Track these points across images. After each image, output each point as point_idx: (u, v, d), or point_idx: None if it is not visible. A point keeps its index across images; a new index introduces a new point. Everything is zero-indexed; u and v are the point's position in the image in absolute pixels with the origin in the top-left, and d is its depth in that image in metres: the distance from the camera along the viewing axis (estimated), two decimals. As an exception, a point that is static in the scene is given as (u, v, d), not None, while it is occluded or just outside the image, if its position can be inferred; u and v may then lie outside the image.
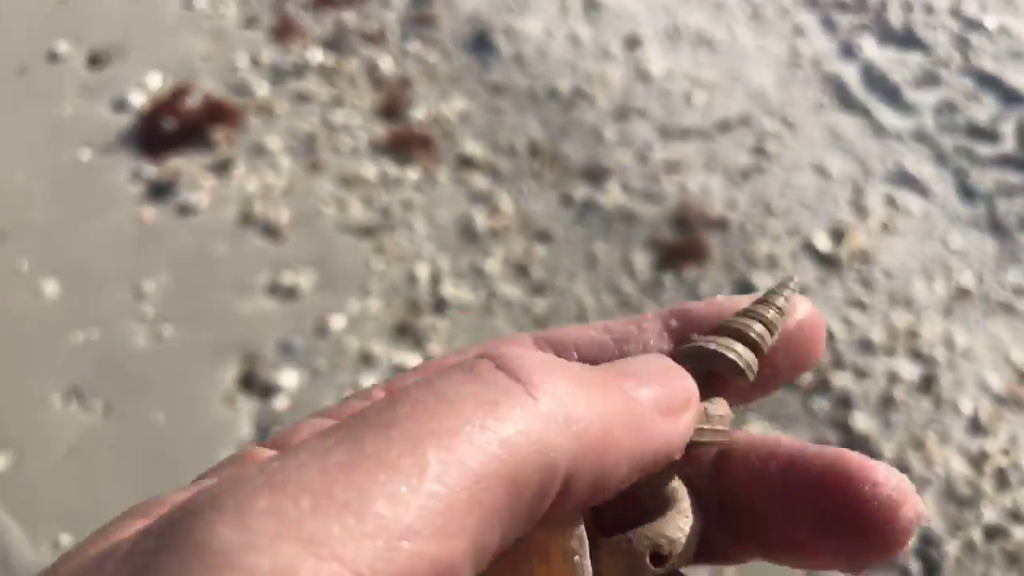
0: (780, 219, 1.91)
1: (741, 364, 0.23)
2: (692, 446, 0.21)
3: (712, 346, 0.23)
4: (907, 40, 2.26)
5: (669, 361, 0.21)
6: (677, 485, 0.22)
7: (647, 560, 0.21)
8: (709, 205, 1.93)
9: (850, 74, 2.19)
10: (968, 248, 1.85)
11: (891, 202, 1.94)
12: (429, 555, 0.14)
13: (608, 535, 0.21)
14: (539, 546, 0.19)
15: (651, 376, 0.20)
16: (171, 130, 2.07)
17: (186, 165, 2.03)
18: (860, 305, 1.76)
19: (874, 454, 1.53)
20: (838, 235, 1.87)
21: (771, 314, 0.23)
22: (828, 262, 1.83)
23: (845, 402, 1.62)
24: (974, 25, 2.28)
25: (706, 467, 0.23)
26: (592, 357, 0.23)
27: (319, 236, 1.92)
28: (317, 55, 2.27)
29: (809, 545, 0.21)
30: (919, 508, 0.20)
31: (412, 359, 1.72)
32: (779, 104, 2.14)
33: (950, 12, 2.32)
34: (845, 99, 2.14)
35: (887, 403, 1.62)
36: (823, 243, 1.86)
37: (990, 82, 2.15)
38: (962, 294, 1.77)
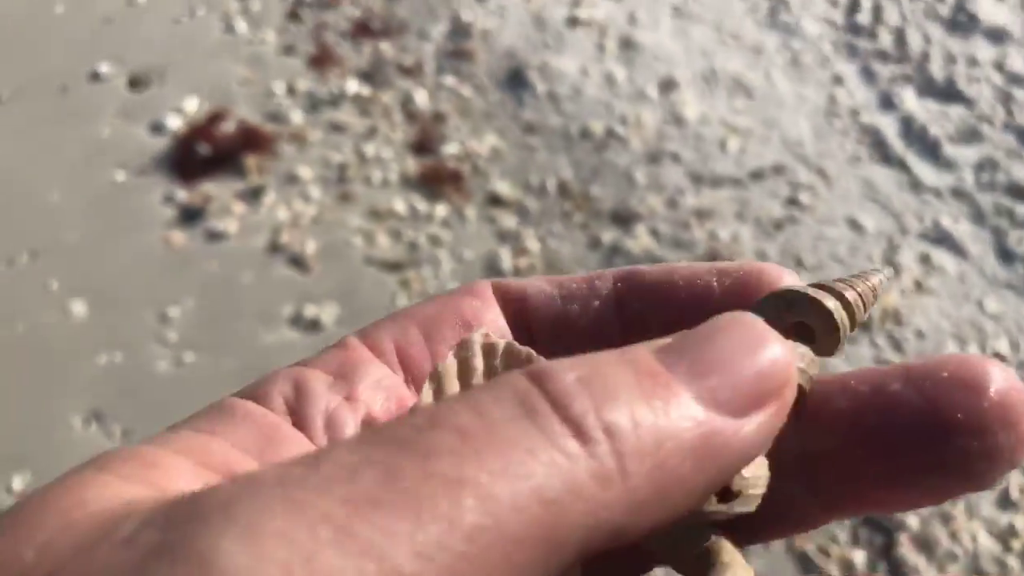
0: (811, 273, 1.88)
1: (836, 319, 0.20)
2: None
3: (807, 291, 0.21)
4: (949, 93, 2.23)
5: (749, 328, 0.18)
6: None
7: (714, 500, 0.19)
8: (739, 255, 1.91)
9: (889, 126, 2.16)
10: (1005, 312, 1.80)
11: (926, 260, 1.90)
12: None
13: None
14: None
15: (725, 360, 0.17)
16: (205, 155, 2.09)
17: (217, 191, 2.05)
18: (890, 367, 1.72)
19: (900, 525, 1.49)
20: (870, 293, 1.83)
21: (863, 288, 0.22)
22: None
23: (870, 468, 1.58)
24: (1019, 80, 2.24)
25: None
26: (535, 308, 0.23)
27: (345, 268, 1.92)
28: (353, 85, 2.28)
29: (918, 477, 0.19)
30: None
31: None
32: (815, 154, 2.11)
33: (994, 66, 2.28)
34: (883, 152, 2.11)
35: (914, 471, 1.57)
36: (854, 300, 1.82)
37: (1033, 141, 2.10)
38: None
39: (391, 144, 2.16)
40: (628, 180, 2.07)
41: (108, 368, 1.75)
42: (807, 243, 1.93)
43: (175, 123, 2.19)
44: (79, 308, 1.84)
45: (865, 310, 0.22)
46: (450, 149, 2.15)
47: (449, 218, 2.02)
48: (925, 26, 2.36)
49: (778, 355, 0.17)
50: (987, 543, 1.49)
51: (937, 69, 2.28)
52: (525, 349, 0.20)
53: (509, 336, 0.22)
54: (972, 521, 1.52)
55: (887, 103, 2.21)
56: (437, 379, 0.20)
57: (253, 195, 2.04)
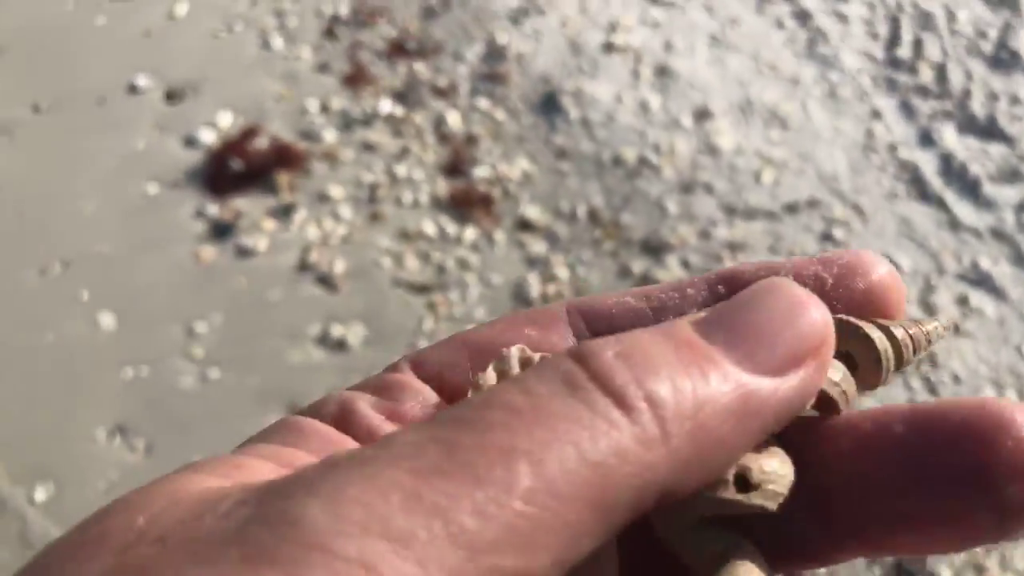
0: (844, 310, 1.84)
1: (881, 354, 0.21)
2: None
3: (854, 321, 0.21)
4: (990, 131, 2.19)
5: (786, 290, 0.18)
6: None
7: (730, 482, 0.19)
8: (771, 289, 1.88)
9: (927, 163, 2.12)
10: (1044, 358, 1.76)
11: (963, 302, 1.86)
12: (508, 569, 0.15)
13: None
14: None
15: (766, 323, 0.18)
16: (237, 170, 2.10)
17: (248, 207, 2.05)
18: (924, 411, 1.68)
19: (931, 578, 1.45)
20: (905, 333, 1.80)
21: (916, 331, 0.22)
22: (893, 361, 1.76)
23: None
24: (1062, 120, 2.20)
25: (797, 442, 0.20)
26: (625, 325, 0.22)
27: (373, 289, 1.92)
28: (387, 105, 2.29)
29: (921, 524, 0.19)
30: None
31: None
32: (851, 189, 2.08)
33: (1037, 104, 2.24)
34: (921, 189, 2.07)
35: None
36: (889, 341, 1.79)
37: (1076, 182, 2.06)
38: (1035, 408, 1.68)
39: (422, 165, 2.16)
40: (660, 209, 2.05)
41: (134, 382, 1.76)
42: (841, 280, 1.90)
43: (209, 137, 2.20)
44: (107, 320, 1.85)
45: (915, 352, 0.22)
46: (481, 172, 2.14)
47: (478, 242, 2.01)
48: (967, 62, 2.33)
49: (816, 316, 0.18)
50: (1023, 599, 1.45)
51: (978, 106, 2.24)
52: None
53: None
54: (1005, 574, 1.47)
55: (926, 139, 2.17)
56: (477, 388, 0.21)
57: (284, 212, 2.04)
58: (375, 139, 2.20)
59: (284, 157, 2.12)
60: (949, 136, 2.17)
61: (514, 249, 1.99)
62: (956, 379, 1.73)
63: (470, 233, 2.02)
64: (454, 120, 2.26)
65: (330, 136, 2.21)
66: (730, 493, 0.19)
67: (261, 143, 2.18)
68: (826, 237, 1.98)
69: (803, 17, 2.50)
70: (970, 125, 2.20)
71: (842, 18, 2.49)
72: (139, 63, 2.38)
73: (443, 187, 2.11)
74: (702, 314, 0.18)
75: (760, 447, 0.19)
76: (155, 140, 2.21)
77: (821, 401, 0.20)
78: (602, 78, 2.34)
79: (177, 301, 1.88)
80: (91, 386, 1.76)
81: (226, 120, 2.24)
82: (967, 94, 2.27)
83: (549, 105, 2.29)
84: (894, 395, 1.70)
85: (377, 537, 0.14)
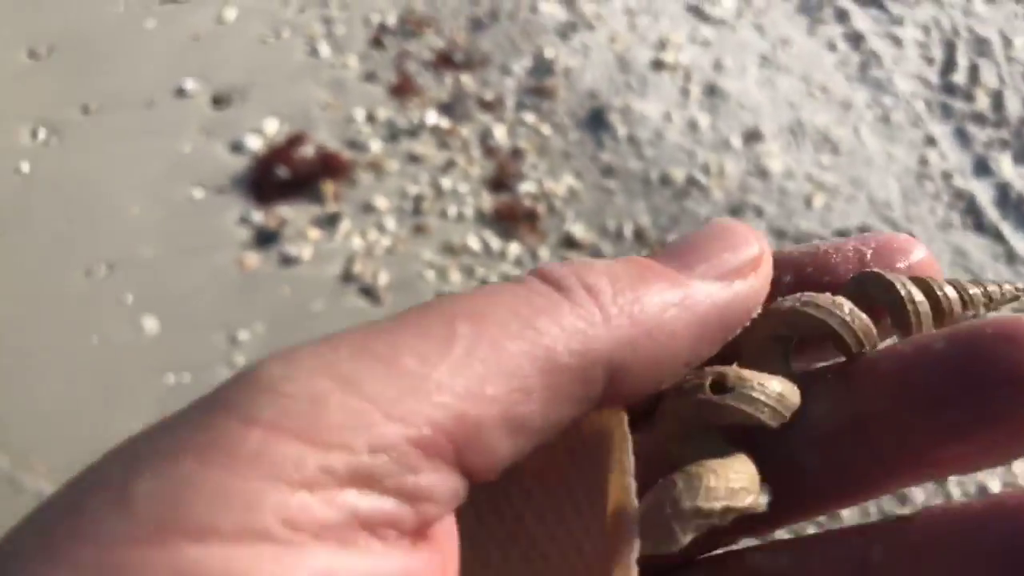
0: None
1: (908, 308, 0.22)
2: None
3: (890, 277, 0.22)
4: (1047, 162, 2.14)
5: (728, 224, 0.21)
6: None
7: (706, 385, 0.20)
8: (821, 317, 1.84)
9: (983, 192, 2.08)
10: (1104, 399, 1.71)
11: (1020, 338, 1.81)
12: (454, 409, 0.15)
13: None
14: (587, 431, 0.19)
15: (702, 244, 0.20)
16: (282, 178, 2.10)
17: (293, 215, 2.04)
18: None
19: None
20: (960, 368, 1.75)
21: (977, 290, 0.23)
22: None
23: None
24: (1122, 153, 2.15)
25: (832, 379, 0.22)
26: None
27: (416, 302, 1.87)
28: (432, 117, 2.27)
29: (968, 432, 0.19)
30: None
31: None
32: (903, 217, 2.04)
33: (1096, 136, 2.19)
34: (976, 219, 2.03)
35: None
36: (943, 375, 1.75)
37: None
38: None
39: (468, 179, 2.14)
40: (708, 231, 2.02)
41: (175, 388, 1.75)
42: (894, 310, 1.86)
43: (255, 143, 2.20)
44: (151, 324, 1.84)
45: (966, 308, 0.23)
46: (526, 187, 2.12)
47: (522, 257, 1.99)
48: (1025, 90, 2.28)
49: (750, 237, 0.20)
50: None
51: (1035, 136, 2.19)
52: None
53: None
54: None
55: (982, 168, 2.13)
56: None
57: (328, 222, 2.03)
58: (421, 151, 2.19)
59: (330, 166, 2.12)
60: (1006, 165, 2.13)
61: (559, 267, 1.97)
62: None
63: (514, 249, 2.00)
64: (500, 134, 2.24)
65: (376, 146, 2.20)
66: (704, 393, 0.20)
67: (307, 151, 2.17)
68: (878, 265, 1.94)
69: (856, 39, 2.46)
70: (1027, 155, 2.15)
71: (896, 41, 2.45)
72: (187, 67, 2.39)
73: (488, 201, 2.09)
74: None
75: (768, 375, 0.21)
76: (201, 144, 2.21)
77: (837, 343, 0.22)
78: (651, 96, 2.32)
79: (220, 308, 1.87)
80: (133, 391, 1.75)
81: (272, 127, 2.24)
82: (1024, 123, 2.22)
83: (596, 121, 2.27)
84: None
85: (325, 377, 0.15)
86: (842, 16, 2.53)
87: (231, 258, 1.96)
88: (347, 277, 1.93)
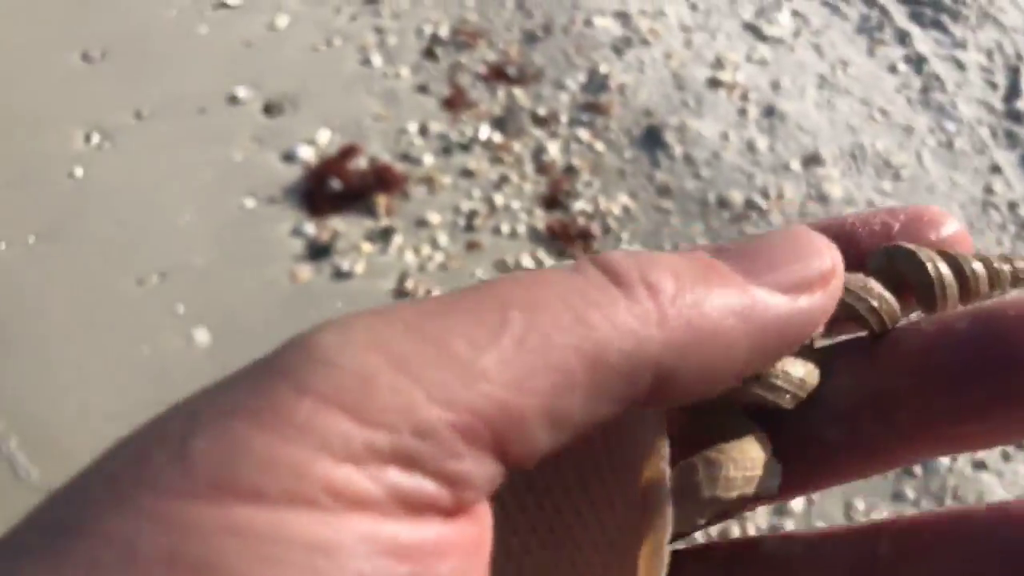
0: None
1: (936, 291, 0.22)
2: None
3: (921, 256, 0.22)
4: (1116, 194, 2.08)
5: (802, 231, 0.20)
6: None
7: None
8: (884, 349, 1.79)
9: (1051, 224, 2.02)
10: None
11: (1092, 377, 1.76)
12: (498, 399, 0.16)
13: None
14: (626, 430, 0.20)
15: (773, 250, 0.19)
16: (335, 190, 2.08)
17: (346, 228, 2.02)
18: (1053, 493, 1.58)
19: None
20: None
21: (1005, 267, 0.23)
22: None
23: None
24: None
25: (857, 359, 0.22)
26: None
27: (468, 320, 1.87)
28: (485, 131, 2.25)
29: (987, 411, 0.20)
30: None
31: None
32: (969, 247, 1.99)
33: None
34: (1044, 252, 1.97)
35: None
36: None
37: None
38: None
39: (521, 195, 2.11)
40: (767, 256, 1.97)
41: (228, 402, 1.73)
42: (960, 344, 1.81)
43: (307, 154, 2.18)
44: (202, 336, 1.83)
45: (993, 287, 0.22)
46: (580, 205, 2.09)
47: (576, 278, 1.96)
48: (1093, 119, 2.23)
49: (824, 251, 0.20)
50: None
51: (1104, 166, 2.14)
52: None
53: None
54: None
55: (1050, 199, 2.07)
56: None
57: (381, 236, 2.01)
58: (473, 166, 2.16)
59: (383, 179, 2.09)
60: (1074, 197, 2.07)
61: (614, 288, 1.93)
62: (1086, 461, 1.63)
63: (568, 268, 1.97)
64: (554, 150, 2.21)
65: (429, 160, 2.18)
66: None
67: (360, 163, 2.15)
68: (943, 297, 1.89)
69: (917, 62, 2.41)
70: (1096, 186, 2.10)
71: (959, 65, 2.40)
72: (239, 73, 2.38)
73: (541, 219, 2.06)
74: (719, 245, 0.20)
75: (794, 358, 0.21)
76: (253, 153, 2.19)
77: (863, 325, 0.22)
78: (707, 115, 2.28)
79: (272, 321, 1.85)
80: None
81: (324, 137, 2.22)
82: (1093, 153, 2.16)
83: (651, 139, 2.23)
84: (1017, 472, 1.61)
85: (377, 354, 0.15)
86: (903, 38, 2.49)
87: (283, 270, 1.95)
88: (400, 293, 1.90)
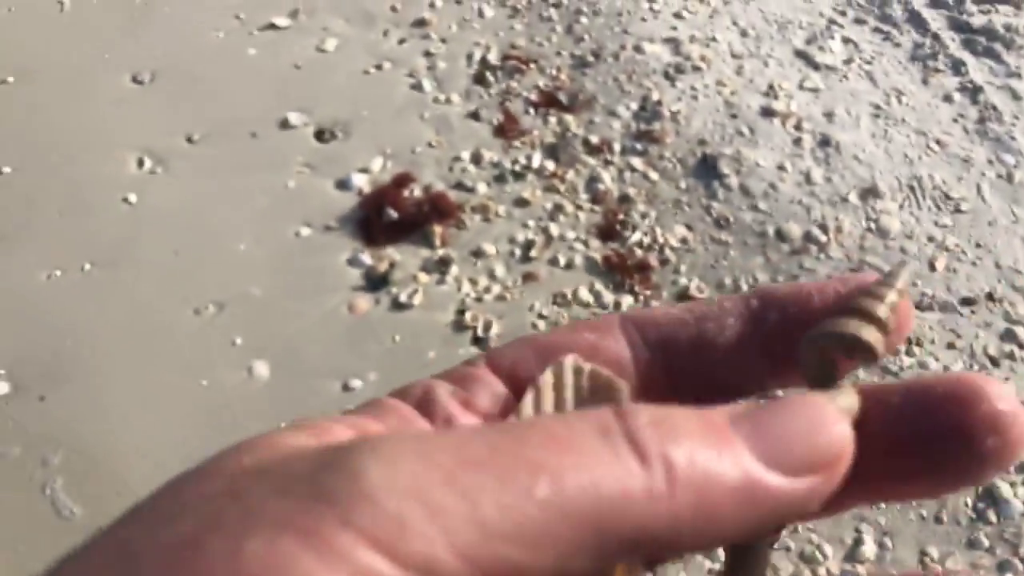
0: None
1: (874, 346, 0.23)
2: None
3: (838, 328, 0.23)
4: None
5: (820, 407, 0.21)
6: None
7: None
8: (952, 390, 1.77)
9: (1116, 262, 2.00)
10: None
11: None
12: (513, 560, 0.17)
13: None
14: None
15: (787, 428, 0.20)
16: (391, 219, 2.06)
17: (402, 258, 2.01)
18: None
19: None
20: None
21: (892, 296, 0.24)
22: (1093, 484, 1.64)
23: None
24: None
25: None
26: (670, 333, 0.25)
27: (528, 354, 1.85)
28: (539, 159, 2.23)
29: (914, 475, 0.22)
30: None
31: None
32: (1033, 285, 1.96)
33: None
34: (1110, 290, 1.95)
35: None
36: (1087, 460, 1.67)
37: None
38: None
39: (576, 226, 2.09)
40: (828, 292, 1.95)
41: (290, 437, 1.71)
42: (1028, 385, 1.78)
43: (360, 181, 2.17)
44: (262, 369, 1.81)
45: (895, 315, 0.24)
46: (636, 236, 2.07)
47: (635, 311, 1.94)
48: None
49: (837, 434, 0.20)
50: None
51: None
52: (607, 372, 0.24)
53: (626, 360, 0.25)
54: None
55: (1114, 236, 2.05)
56: (536, 389, 0.24)
57: (438, 266, 1.99)
58: (528, 194, 2.15)
59: (438, 208, 2.08)
60: None
61: (673, 322, 1.91)
62: None
63: (627, 301, 1.95)
64: (607, 179, 2.19)
65: (483, 188, 2.16)
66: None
67: (415, 192, 2.14)
68: (1009, 336, 1.87)
69: (973, 92, 2.39)
70: None
71: (1015, 95, 2.37)
72: (290, 97, 2.37)
73: (598, 249, 2.04)
74: (740, 407, 0.20)
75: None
76: (306, 180, 2.18)
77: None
78: (762, 144, 2.26)
79: (332, 354, 1.84)
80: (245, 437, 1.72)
81: (377, 164, 2.21)
82: None
83: (706, 169, 2.21)
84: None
85: (416, 501, 0.17)
86: (957, 66, 2.46)
87: (342, 301, 1.93)
88: (459, 326, 1.89)
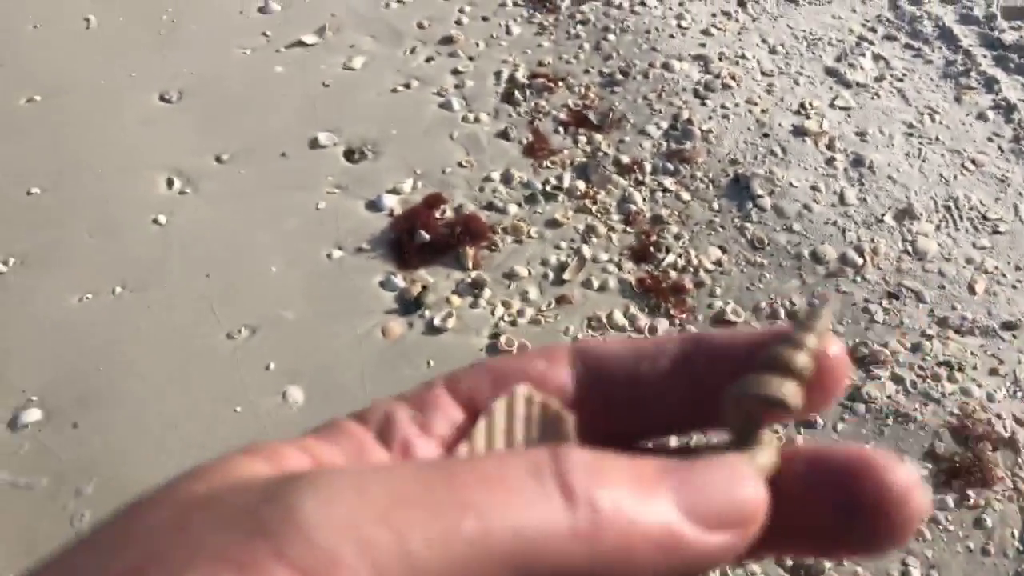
0: (1076, 446, 1.70)
1: (789, 402, 0.23)
2: None
3: (753, 387, 0.24)
4: None
5: (742, 470, 0.22)
6: None
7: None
8: (995, 417, 1.74)
9: None
10: None
11: None
12: None
13: None
14: None
15: (710, 486, 0.21)
16: (423, 241, 2.05)
17: (435, 280, 1.99)
18: None
19: None
20: None
21: (812, 341, 0.24)
22: None
23: None
24: None
25: None
26: (611, 367, 0.26)
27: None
28: (569, 179, 2.21)
29: (830, 534, 0.23)
30: (927, 500, 0.22)
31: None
32: (1074, 308, 1.94)
33: None
34: None
35: None
36: None
37: None
38: None
39: (609, 247, 2.08)
40: (867, 315, 1.93)
41: (326, 465, 1.70)
42: (1073, 413, 1.75)
43: (391, 202, 2.15)
44: (296, 395, 1.80)
45: (814, 363, 0.24)
46: (670, 258, 2.05)
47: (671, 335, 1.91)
48: None
49: (753, 496, 0.22)
50: None
51: None
52: (556, 404, 0.25)
53: (569, 389, 0.26)
54: None
55: None
56: (489, 416, 0.25)
57: (471, 289, 1.97)
58: (559, 215, 2.13)
59: (470, 229, 2.06)
60: None
61: (710, 347, 1.89)
62: None
63: (662, 324, 1.93)
64: (639, 199, 2.17)
65: (514, 209, 2.15)
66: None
67: (446, 213, 2.12)
68: (1052, 362, 1.84)
69: (1007, 110, 2.36)
70: None
71: (1050, 114, 2.35)
72: (318, 115, 2.35)
73: (631, 271, 2.02)
74: (671, 461, 0.21)
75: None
76: (337, 201, 2.17)
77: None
78: (794, 164, 2.24)
79: (367, 379, 1.82)
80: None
81: (408, 184, 2.20)
82: None
83: (739, 189, 2.19)
84: None
85: (348, 536, 0.18)
86: (990, 84, 2.44)
87: (375, 325, 1.91)
88: (494, 349, 1.87)
